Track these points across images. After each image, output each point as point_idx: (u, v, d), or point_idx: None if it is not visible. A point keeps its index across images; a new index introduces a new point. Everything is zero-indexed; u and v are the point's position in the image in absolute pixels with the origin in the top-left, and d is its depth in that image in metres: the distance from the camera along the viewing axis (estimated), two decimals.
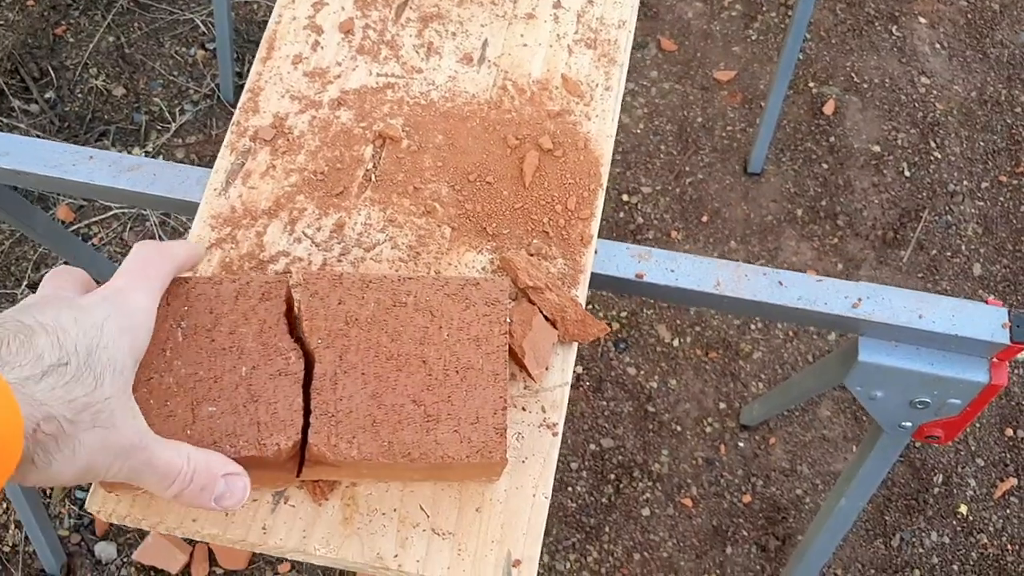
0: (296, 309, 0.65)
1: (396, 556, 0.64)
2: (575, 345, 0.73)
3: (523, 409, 0.70)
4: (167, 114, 2.03)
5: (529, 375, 0.70)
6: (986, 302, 0.81)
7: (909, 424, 0.88)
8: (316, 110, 0.80)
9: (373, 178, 0.77)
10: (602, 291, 1.76)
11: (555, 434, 0.69)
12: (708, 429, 1.77)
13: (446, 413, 0.62)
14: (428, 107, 0.80)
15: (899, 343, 0.81)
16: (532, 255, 0.74)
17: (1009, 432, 1.78)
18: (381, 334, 0.63)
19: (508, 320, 0.66)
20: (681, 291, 0.80)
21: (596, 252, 0.79)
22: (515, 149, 0.79)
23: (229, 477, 0.57)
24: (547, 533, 1.68)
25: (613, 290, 0.82)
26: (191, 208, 0.79)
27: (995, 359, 0.81)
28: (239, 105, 0.80)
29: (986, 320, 0.79)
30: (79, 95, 2.05)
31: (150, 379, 0.60)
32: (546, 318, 0.72)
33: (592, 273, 0.78)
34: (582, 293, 0.75)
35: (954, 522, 1.71)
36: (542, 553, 1.66)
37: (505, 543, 0.65)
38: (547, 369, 0.71)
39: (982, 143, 2.06)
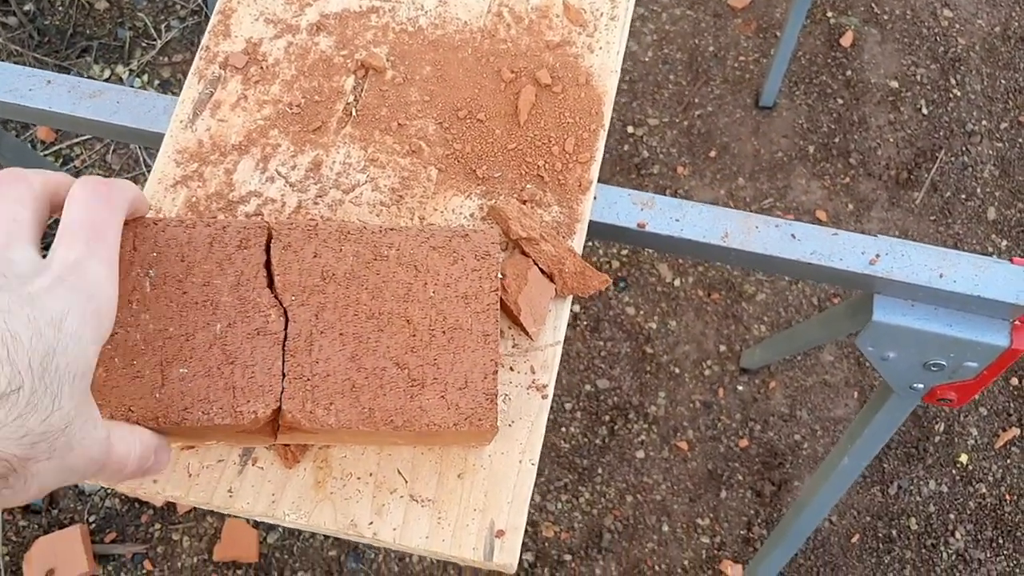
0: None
1: (371, 524, 0.60)
2: (568, 300, 0.68)
3: (511, 369, 0.65)
4: (152, 30, 1.94)
5: (525, 333, 0.65)
6: (1011, 261, 0.76)
7: (921, 386, 0.84)
8: (293, 35, 0.73)
9: (354, 112, 0.70)
10: (600, 240, 1.70)
11: (544, 396, 0.64)
12: (707, 372, 1.73)
13: (432, 377, 0.57)
14: (416, 35, 0.73)
15: (916, 303, 0.76)
16: (525, 202, 0.68)
17: (1015, 382, 1.74)
18: (361, 291, 0.58)
19: (500, 275, 0.60)
20: (686, 242, 0.74)
21: (595, 198, 0.74)
22: (510, 83, 0.72)
23: (158, 451, 0.53)
24: (539, 473, 1.65)
25: (613, 239, 0.76)
26: (158, 140, 0.72)
27: (1017, 322, 0.75)
28: (208, 28, 0.73)
29: (1011, 281, 0.73)
30: (60, 8, 1.95)
31: (115, 334, 0.54)
32: (542, 271, 0.67)
33: (590, 221, 0.72)
34: (579, 243, 0.69)
35: (953, 471, 1.68)
36: (533, 493, 1.64)
37: (488, 512, 0.61)
38: (545, 325, 0.66)
39: (1004, 81, 1.98)
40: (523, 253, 0.67)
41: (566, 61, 0.73)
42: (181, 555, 1.58)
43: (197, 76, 0.71)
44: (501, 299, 0.65)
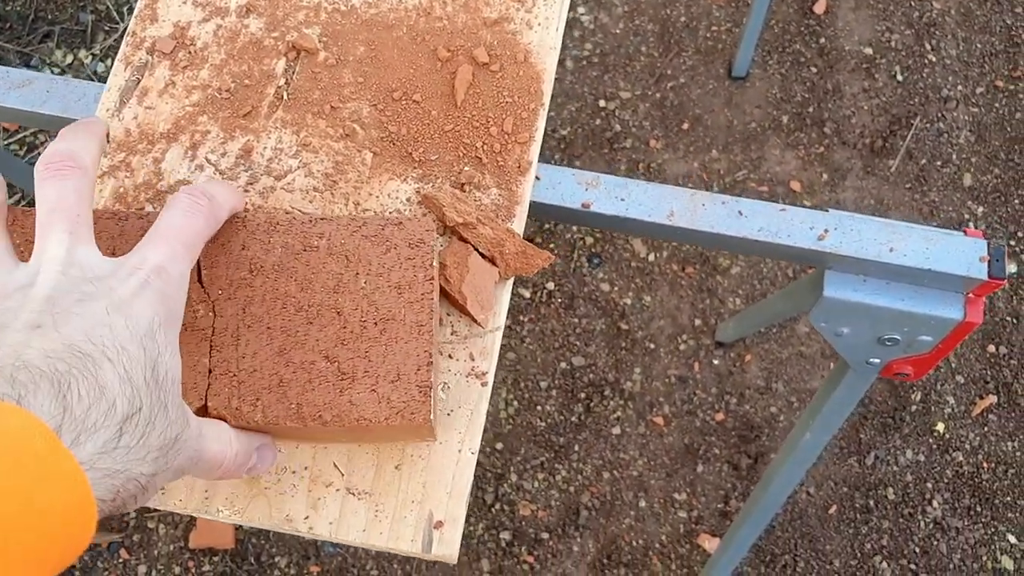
0: None
1: (307, 518, 0.59)
2: (509, 285, 0.66)
3: (449, 357, 0.63)
4: (114, 13, 1.91)
5: (473, 321, 0.64)
6: (964, 232, 0.74)
7: (877, 361, 0.83)
8: (222, 18, 0.71)
9: (285, 96, 0.68)
10: (545, 221, 1.68)
11: (484, 384, 0.63)
12: (682, 346, 1.72)
13: (363, 370, 0.55)
14: (349, 14, 0.71)
15: (868, 277, 0.75)
16: (463, 184, 0.67)
17: (991, 349, 1.74)
18: (289, 283, 0.56)
19: (435, 263, 0.59)
20: (631, 222, 0.73)
21: (539, 179, 0.72)
22: (446, 63, 0.70)
23: (260, 449, 0.54)
24: (515, 452, 1.65)
25: (557, 220, 0.75)
26: None
27: (971, 295, 0.74)
28: (134, 13, 0.71)
29: (963, 253, 0.72)
30: None
31: None
32: (482, 255, 0.65)
33: (533, 202, 0.70)
34: (519, 225, 0.67)
35: (930, 440, 1.68)
36: (510, 472, 1.64)
37: (426, 503, 0.60)
38: (494, 311, 0.65)
39: (979, 45, 1.95)
40: (461, 239, 0.65)
41: (504, 38, 0.71)
42: (157, 543, 1.58)
43: (124, 63, 0.69)
44: (444, 289, 0.64)
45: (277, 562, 1.57)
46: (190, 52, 0.69)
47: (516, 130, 0.69)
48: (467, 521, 1.61)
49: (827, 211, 0.74)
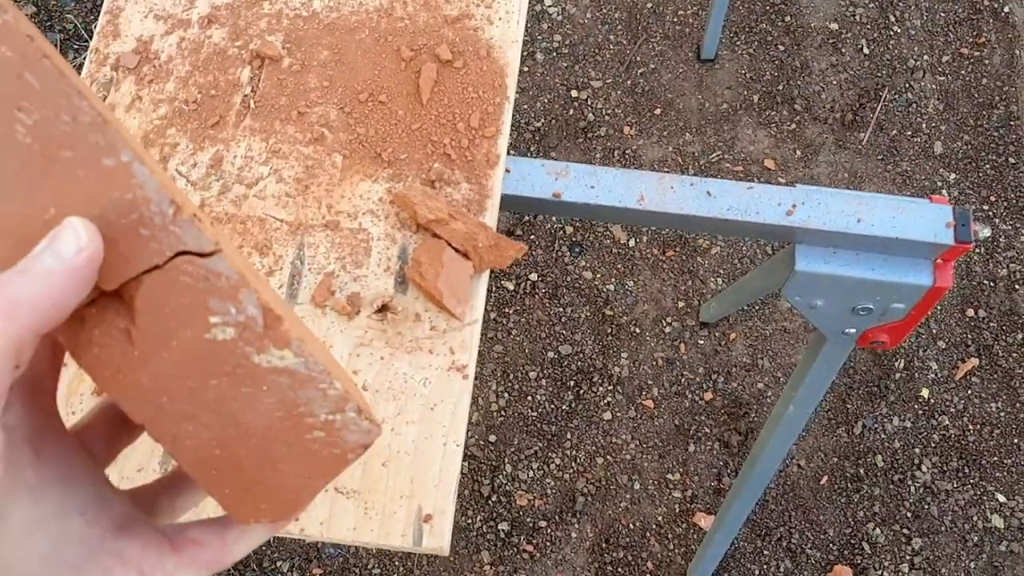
0: None
1: (297, 520, 0.60)
2: (484, 277, 0.67)
3: (430, 352, 0.64)
4: (83, 31, 1.90)
5: (452, 315, 0.65)
6: (929, 199, 0.76)
7: (853, 331, 0.84)
8: (184, 30, 0.71)
9: (252, 104, 0.69)
10: (517, 212, 1.69)
11: (465, 377, 0.64)
12: (667, 329, 1.73)
13: None
14: (310, 19, 0.72)
15: (837, 249, 0.76)
16: (433, 181, 0.68)
17: (970, 312, 1.76)
18: None
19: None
20: (602, 208, 0.73)
21: (509, 171, 0.73)
22: (410, 62, 0.71)
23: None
24: (509, 443, 1.66)
25: (529, 211, 0.76)
26: None
27: (939, 260, 0.76)
28: (97, 30, 0.71)
29: (929, 220, 0.74)
30: None
31: None
32: (456, 250, 0.66)
33: (505, 195, 0.71)
34: (491, 218, 0.68)
35: (916, 406, 1.70)
36: (505, 463, 1.65)
37: (415, 498, 0.61)
38: (470, 304, 0.66)
39: (943, 13, 1.97)
40: (435, 236, 0.66)
41: (466, 35, 0.72)
42: None
43: (89, 80, 0.69)
44: (421, 285, 0.65)
45: (279, 567, 1.57)
46: (155, 66, 0.70)
47: (483, 125, 0.70)
48: (465, 514, 1.62)
49: (794, 186, 0.75)
